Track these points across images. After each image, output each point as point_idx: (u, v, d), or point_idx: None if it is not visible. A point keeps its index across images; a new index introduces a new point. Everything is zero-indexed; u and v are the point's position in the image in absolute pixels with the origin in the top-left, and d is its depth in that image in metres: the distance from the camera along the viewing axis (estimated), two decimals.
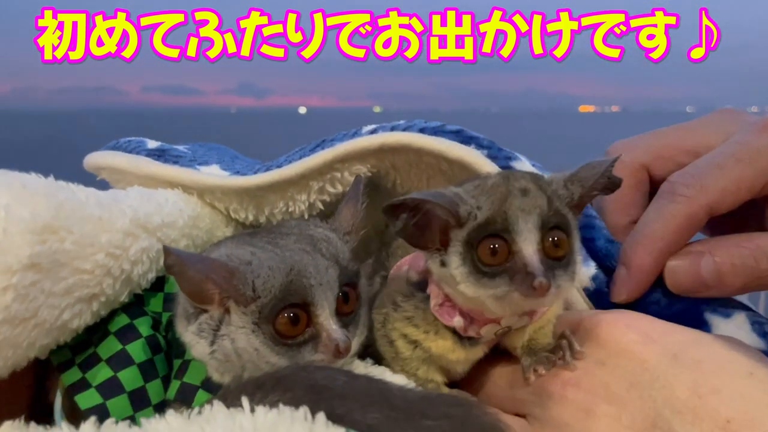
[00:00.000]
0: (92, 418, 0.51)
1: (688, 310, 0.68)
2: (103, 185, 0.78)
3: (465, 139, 0.70)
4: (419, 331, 0.63)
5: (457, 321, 0.60)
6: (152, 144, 0.77)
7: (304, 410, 0.49)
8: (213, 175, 0.73)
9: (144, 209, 0.62)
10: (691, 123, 0.75)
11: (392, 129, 0.71)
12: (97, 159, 0.76)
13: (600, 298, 0.71)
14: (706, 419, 0.49)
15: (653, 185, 0.74)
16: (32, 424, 0.52)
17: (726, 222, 0.68)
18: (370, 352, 0.66)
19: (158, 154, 0.75)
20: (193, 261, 0.55)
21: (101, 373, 0.57)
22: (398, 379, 0.59)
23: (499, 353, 0.65)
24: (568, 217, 0.56)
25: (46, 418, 0.60)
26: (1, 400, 0.59)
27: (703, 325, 0.66)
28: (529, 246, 0.54)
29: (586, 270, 0.70)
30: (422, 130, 0.70)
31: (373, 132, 0.71)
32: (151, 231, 0.62)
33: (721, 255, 0.64)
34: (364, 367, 0.62)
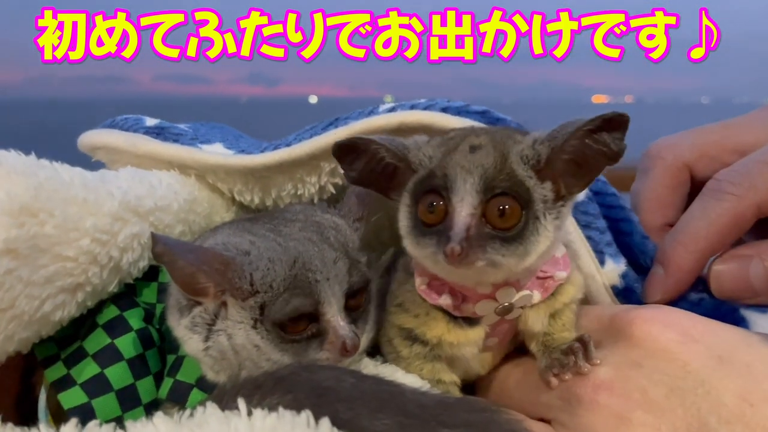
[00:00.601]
0: (73, 420, 0.47)
1: (722, 306, 0.64)
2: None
3: (491, 120, 0.66)
4: (410, 316, 0.58)
5: (444, 299, 0.55)
6: (151, 121, 0.72)
7: (306, 415, 0.46)
8: (216, 153, 0.68)
9: (135, 191, 0.58)
10: (736, 120, 0.73)
11: (412, 107, 0.67)
12: (92, 138, 0.72)
13: (629, 296, 0.67)
14: (757, 430, 0.44)
15: (695, 186, 0.71)
16: (9, 424, 0.48)
17: None
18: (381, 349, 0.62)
19: (157, 132, 0.70)
20: (183, 251, 0.51)
21: (87, 369, 0.54)
22: (411, 380, 0.55)
23: (522, 353, 0.61)
24: (529, 183, 0.49)
25: (35, 416, 0.56)
26: None
27: (740, 322, 0.63)
28: (463, 208, 0.48)
29: (616, 267, 0.66)
30: (445, 110, 0.65)
31: (391, 110, 0.66)
32: (143, 215, 0.57)
33: None
34: (373, 366, 0.58)
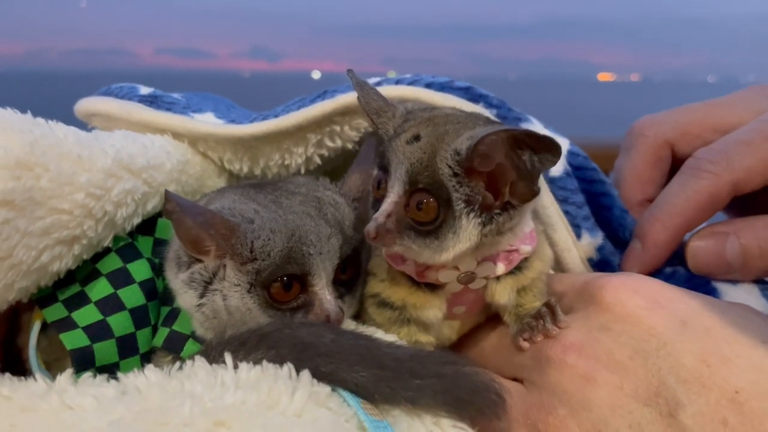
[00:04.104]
0: (68, 371, 0.51)
1: (695, 278, 0.66)
2: None
3: (474, 96, 0.67)
4: (377, 280, 0.60)
5: (408, 265, 0.57)
6: (145, 90, 0.74)
7: (288, 368, 0.48)
8: (206, 123, 0.70)
9: (128, 150, 0.59)
10: (720, 99, 0.74)
11: (397, 83, 0.68)
12: (87, 105, 0.74)
13: (605, 268, 0.69)
14: (713, 389, 0.46)
15: (677, 163, 0.73)
16: (7, 374, 0.51)
17: (749, 203, 0.67)
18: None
19: (150, 101, 0.72)
20: (193, 212, 0.53)
21: (90, 315, 0.55)
22: (389, 338, 0.57)
23: (499, 320, 0.62)
24: (449, 183, 0.50)
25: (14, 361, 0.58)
26: None
27: (712, 293, 0.65)
28: (391, 195, 0.52)
29: (592, 240, 0.68)
30: (429, 86, 0.67)
31: (377, 85, 0.68)
32: (136, 173, 0.58)
33: (747, 237, 0.63)
34: (355, 327, 0.59)
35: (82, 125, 0.75)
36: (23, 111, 0.54)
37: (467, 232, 0.51)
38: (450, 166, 0.50)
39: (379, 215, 0.51)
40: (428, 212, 0.51)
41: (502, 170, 0.50)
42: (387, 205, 0.51)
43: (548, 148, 0.47)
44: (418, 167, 0.51)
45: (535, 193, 0.51)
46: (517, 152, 0.48)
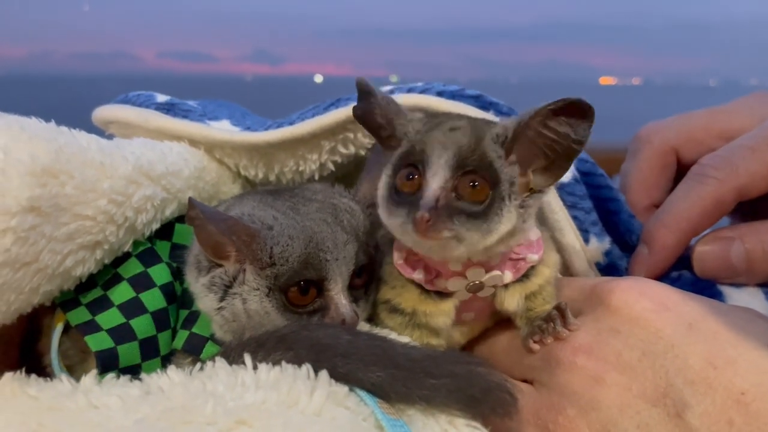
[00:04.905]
0: (93, 372, 0.51)
1: (700, 281, 0.68)
2: None
3: (484, 104, 0.68)
4: (389, 287, 0.61)
5: (417, 274, 0.58)
6: (162, 98, 0.75)
7: (306, 368, 0.49)
8: (223, 130, 0.71)
9: (147, 157, 0.60)
10: (724, 106, 0.75)
11: (409, 91, 0.69)
12: (105, 112, 0.75)
13: (612, 272, 0.70)
14: (719, 390, 0.47)
15: (682, 169, 0.74)
16: (33, 376, 0.52)
17: (754, 208, 0.68)
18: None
19: (167, 108, 0.73)
20: (215, 219, 0.54)
21: (113, 318, 0.56)
22: (403, 340, 0.58)
23: (509, 322, 0.63)
24: (497, 164, 0.52)
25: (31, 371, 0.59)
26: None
27: (717, 296, 0.66)
28: (435, 181, 0.51)
29: (600, 245, 0.69)
30: (440, 94, 0.68)
31: (389, 93, 0.69)
32: (155, 179, 0.60)
33: (751, 241, 0.64)
34: (369, 329, 0.60)
35: (88, 129, 0.77)
36: (25, 114, 0.55)
37: (510, 213, 0.52)
38: (496, 150, 0.52)
39: (428, 200, 0.50)
40: (481, 192, 0.51)
41: (532, 154, 0.52)
42: (433, 190, 0.51)
43: (582, 115, 0.50)
44: (466, 151, 0.52)
45: (565, 169, 0.53)
46: (554, 127, 0.51)
